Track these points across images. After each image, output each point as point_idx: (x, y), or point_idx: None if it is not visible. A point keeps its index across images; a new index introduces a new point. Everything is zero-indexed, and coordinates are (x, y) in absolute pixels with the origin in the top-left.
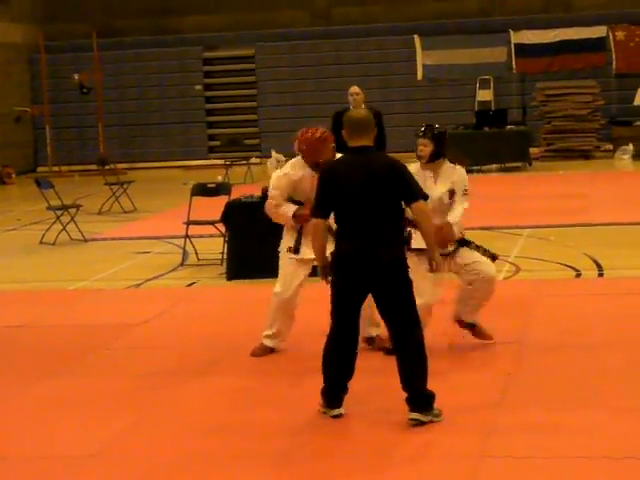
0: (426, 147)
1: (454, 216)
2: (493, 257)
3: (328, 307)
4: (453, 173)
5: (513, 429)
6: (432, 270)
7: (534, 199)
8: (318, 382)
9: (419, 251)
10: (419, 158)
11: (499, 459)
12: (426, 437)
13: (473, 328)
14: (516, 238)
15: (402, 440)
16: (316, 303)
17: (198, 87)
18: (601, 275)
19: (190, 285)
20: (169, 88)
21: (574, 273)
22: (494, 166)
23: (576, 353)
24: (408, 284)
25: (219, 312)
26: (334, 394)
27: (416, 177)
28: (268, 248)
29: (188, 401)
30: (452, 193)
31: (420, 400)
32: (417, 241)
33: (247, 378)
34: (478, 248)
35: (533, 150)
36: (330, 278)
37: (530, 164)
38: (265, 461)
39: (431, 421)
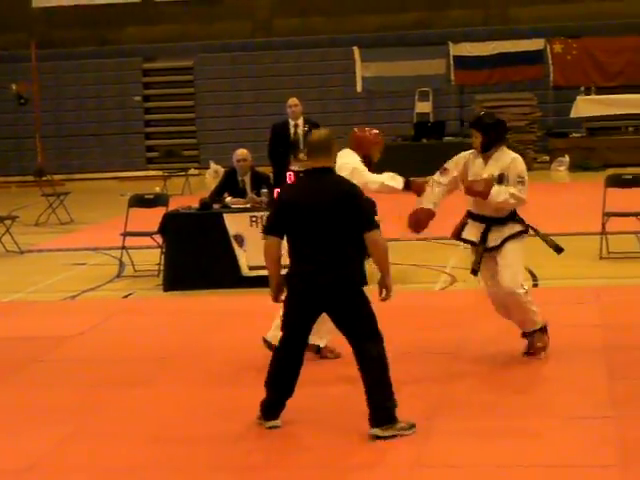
0: (477, 138)
1: (499, 189)
2: (557, 248)
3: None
4: (506, 159)
5: (450, 438)
6: (383, 299)
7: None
8: (261, 392)
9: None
10: (474, 148)
11: (437, 468)
12: (365, 447)
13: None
14: (453, 248)
15: (342, 450)
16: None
17: (137, 98)
18: (536, 285)
19: (127, 296)
20: (107, 99)
21: None
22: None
23: (511, 362)
24: (364, 301)
25: (156, 323)
26: (272, 407)
27: (466, 161)
28: (205, 259)
29: (126, 412)
30: (501, 178)
31: (379, 415)
32: (466, 232)
33: (186, 388)
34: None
35: None
36: (282, 297)
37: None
38: (205, 471)
39: (394, 435)
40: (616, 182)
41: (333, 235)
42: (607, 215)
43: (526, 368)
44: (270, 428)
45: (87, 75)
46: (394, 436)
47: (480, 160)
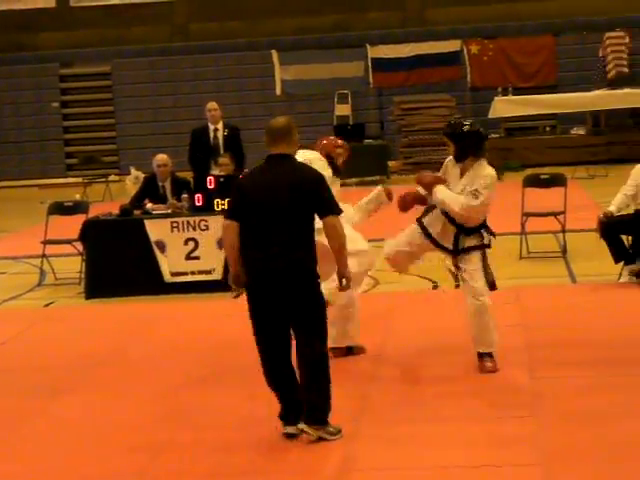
0: (449, 147)
1: (443, 188)
2: (492, 285)
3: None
4: (479, 173)
5: (375, 441)
6: (342, 289)
7: (393, 212)
8: (185, 399)
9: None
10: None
11: (364, 472)
12: (290, 452)
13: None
14: (375, 251)
15: (264, 454)
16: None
17: (55, 104)
18: (457, 286)
19: (48, 305)
20: (25, 106)
21: (431, 285)
22: (353, 180)
23: (435, 364)
24: (315, 295)
25: (78, 331)
26: (287, 408)
27: (446, 167)
28: (126, 266)
29: (51, 421)
30: None
31: (313, 415)
32: (428, 220)
33: (110, 396)
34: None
35: (392, 164)
36: (238, 290)
37: (388, 177)
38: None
39: (320, 438)
40: (534, 182)
41: (290, 221)
42: (526, 215)
43: (449, 370)
44: (287, 435)
45: (3, 81)
46: (321, 439)
47: (457, 171)
